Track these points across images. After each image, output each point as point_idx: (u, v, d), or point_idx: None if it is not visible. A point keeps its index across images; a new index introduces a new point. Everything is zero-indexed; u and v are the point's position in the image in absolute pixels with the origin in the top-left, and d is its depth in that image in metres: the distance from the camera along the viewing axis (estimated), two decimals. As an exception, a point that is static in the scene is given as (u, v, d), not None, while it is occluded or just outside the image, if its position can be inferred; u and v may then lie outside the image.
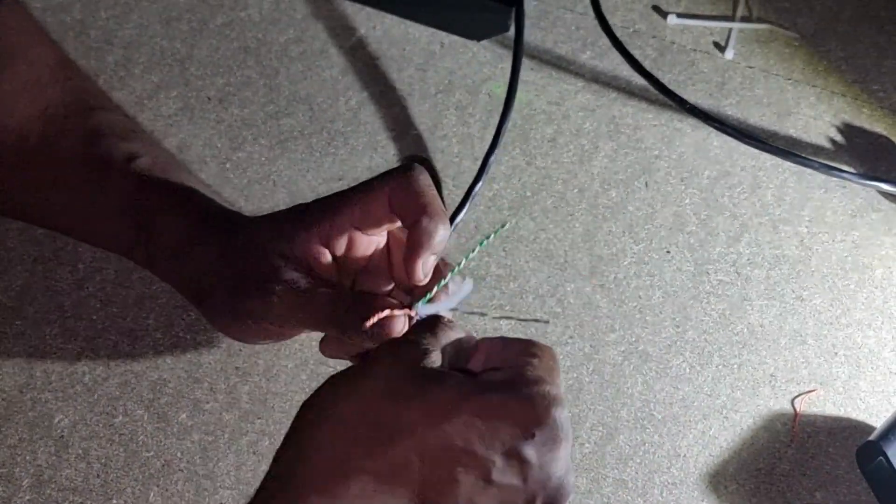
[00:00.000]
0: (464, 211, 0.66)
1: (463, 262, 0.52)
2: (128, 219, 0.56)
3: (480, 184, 0.68)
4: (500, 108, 0.70)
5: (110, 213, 0.57)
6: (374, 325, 0.49)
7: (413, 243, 0.50)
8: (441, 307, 0.52)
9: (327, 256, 0.53)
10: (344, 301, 0.51)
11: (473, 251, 0.53)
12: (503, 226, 0.57)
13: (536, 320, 0.64)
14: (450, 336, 0.47)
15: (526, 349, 0.47)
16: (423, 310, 0.51)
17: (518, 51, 0.71)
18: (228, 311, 0.54)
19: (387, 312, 0.50)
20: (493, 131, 0.70)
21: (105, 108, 0.61)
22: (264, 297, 0.52)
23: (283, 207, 0.66)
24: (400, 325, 0.50)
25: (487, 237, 0.54)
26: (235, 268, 0.53)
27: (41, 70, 0.59)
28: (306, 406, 0.45)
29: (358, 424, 0.43)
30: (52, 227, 0.61)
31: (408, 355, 0.45)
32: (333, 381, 0.46)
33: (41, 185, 0.58)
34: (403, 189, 0.51)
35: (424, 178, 0.51)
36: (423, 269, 0.51)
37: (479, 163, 0.69)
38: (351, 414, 0.43)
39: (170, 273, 0.57)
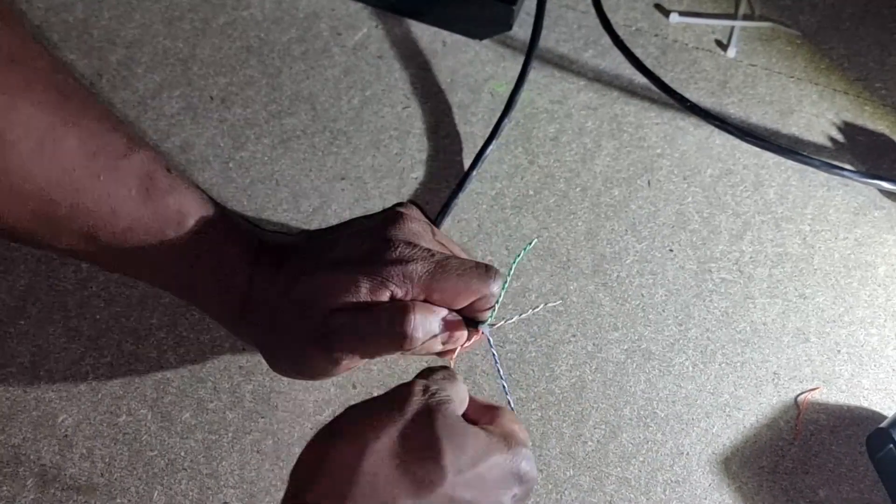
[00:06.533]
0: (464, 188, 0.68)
1: (508, 280, 0.56)
2: (178, 278, 0.56)
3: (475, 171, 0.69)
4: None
5: (164, 268, 0.56)
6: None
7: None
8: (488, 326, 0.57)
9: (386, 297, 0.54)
10: (401, 319, 0.52)
11: (510, 271, 0.58)
12: (531, 243, 0.65)
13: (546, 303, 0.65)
14: (458, 387, 0.51)
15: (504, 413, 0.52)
16: (486, 330, 0.55)
17: (536, 35, 0.72)
18: (296, 367, 0.56)
19: (464, 344, 0.55)
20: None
21: (133, 152, 0.54)
22: (328, 354, 0.53)
23: (285, 206, 0.66)
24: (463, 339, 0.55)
25: (518, 255, 0.59)
26: (292, 329, 0.54)
27: (48, 118, 0.52)
28: (321, 444, 0.47)
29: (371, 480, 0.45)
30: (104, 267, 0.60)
31: (435, 407, 0.48)
32: (343, 431, 0.47)
33: (88, 236, 0.54)
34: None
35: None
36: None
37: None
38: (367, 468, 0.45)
39: (231, 331, 0.59)
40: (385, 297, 0.53)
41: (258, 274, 0.55)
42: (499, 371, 0.56)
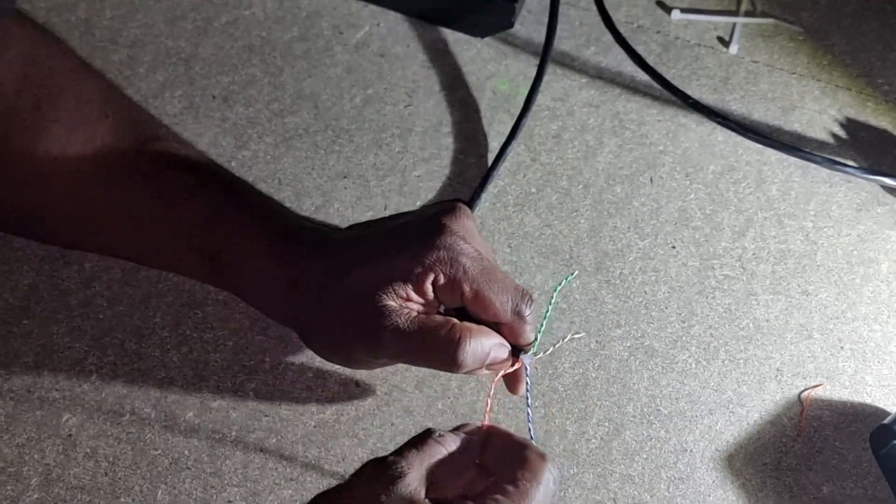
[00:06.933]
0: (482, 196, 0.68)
1: (549, 312, 0.61)
2: (201, 254, 0.57)
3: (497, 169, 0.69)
4: (505, 105, 0.71)
5: (182, 248, 0.58)
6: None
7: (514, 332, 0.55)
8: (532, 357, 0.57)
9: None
10: (454, 348, 0.52)
11: (551, 302, 0.62)
12: (572, 274, 0.65)
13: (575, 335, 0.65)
14: (436, 454, 0.49)
15: (524, 471, 0.49)
16: (527, 359, 0.55)
17: (550, 37, 0.73)
18: (336, 354, 0.57)
19: (504, 370, 0.55)
20: (497, 128, 0.70)
21: (160, 138, 0.60)
22: (374, 346, 0.54)
23: (288, 205, 0.66)
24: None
25: (560, 284, 0.63)
26: (340, 317, 0.54)
27: (88, 107, 0.58)
28: None
29: None
30: (128, 259, 0.63)
31: (386, 482, 0.47)
32: None
33: (109, 223, 0.59)
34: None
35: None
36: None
37: (483, 159, 0.69)
38: None
39: (267, 312, 0.59)
40: (430, 279, 0.53)
41: (305, 256, 0.56)
42: (528, 402, 0.56)
